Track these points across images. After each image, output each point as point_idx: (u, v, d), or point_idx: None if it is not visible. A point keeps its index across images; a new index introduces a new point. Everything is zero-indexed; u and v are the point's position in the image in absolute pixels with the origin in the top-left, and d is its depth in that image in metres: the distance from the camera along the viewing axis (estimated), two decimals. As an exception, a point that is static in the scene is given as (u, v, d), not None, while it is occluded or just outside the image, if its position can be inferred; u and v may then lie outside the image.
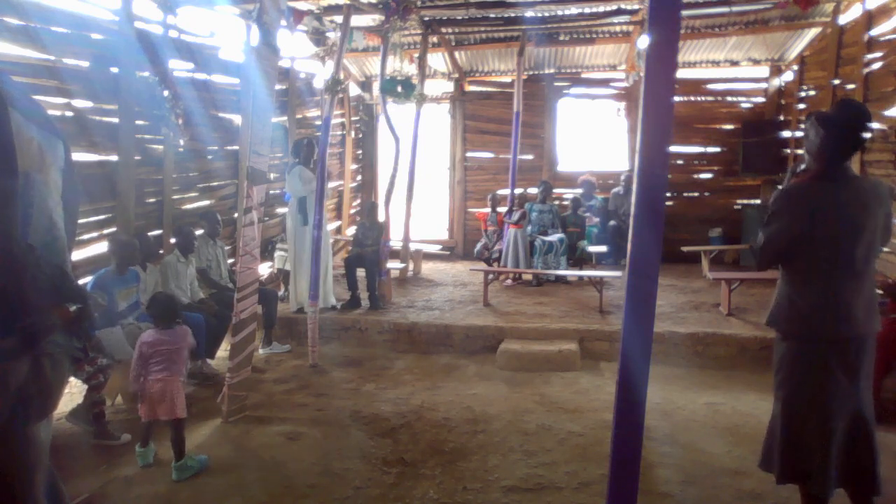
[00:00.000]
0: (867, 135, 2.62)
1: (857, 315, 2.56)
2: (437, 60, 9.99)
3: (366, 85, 10.85)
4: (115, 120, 5.38)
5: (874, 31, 6.75)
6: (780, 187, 2.79)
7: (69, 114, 4.95)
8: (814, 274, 2.59)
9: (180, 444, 3.67)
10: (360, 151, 11.10)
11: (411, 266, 8.88)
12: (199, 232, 5.88)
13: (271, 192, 7.35)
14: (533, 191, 9.82)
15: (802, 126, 2.72)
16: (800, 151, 8.85)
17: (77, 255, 5.01)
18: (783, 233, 2.61)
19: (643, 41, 7.45)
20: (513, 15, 8.06)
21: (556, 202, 9.33)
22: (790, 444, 2.64)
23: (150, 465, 3.76)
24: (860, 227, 2.55)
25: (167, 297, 4.08)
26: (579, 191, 9.54)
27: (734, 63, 9.59)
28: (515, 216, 8.25)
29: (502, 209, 9.02)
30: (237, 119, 7.10)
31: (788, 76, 9.34)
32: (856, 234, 2.54)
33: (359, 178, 11.11)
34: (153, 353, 3.73)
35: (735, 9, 7.59)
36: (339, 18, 7.21)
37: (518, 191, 9.14)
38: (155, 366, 3.72)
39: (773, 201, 2.68)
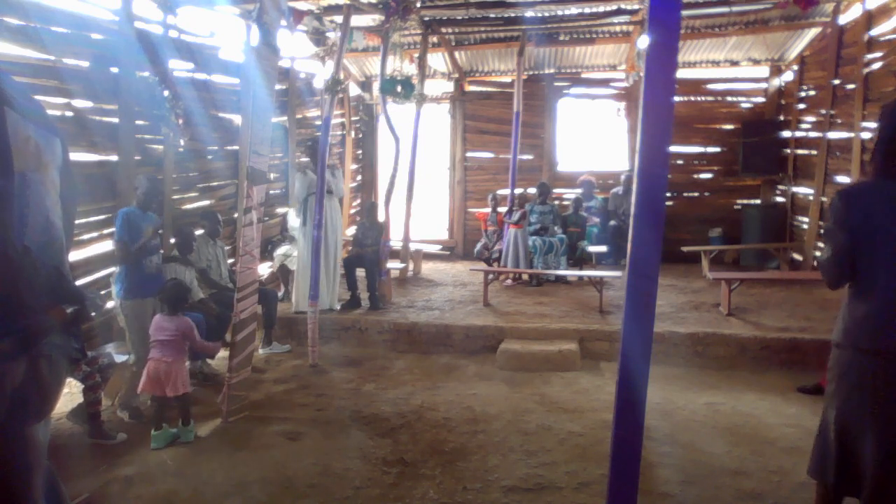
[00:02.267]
0: None
1: None
2: (437, 60, 9.99)
3: (366, 85, 10.85)
4: (115, 120, 5.37)
5: (874, 31, 6.75)
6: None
7: (69, 114, 4.95)
8: (873, 279, 2.39)
9: (186, 412, 4.20)
10: (360, 151, 11.10)
11: (411, 266, 8.88)
12: (199, 232, 5.88)
13: (271, 192, 7.36)
14: (533, 191, 9.83)
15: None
16: (800, 151, 8.85)
17: (77, 255, 5.01)
18: (846, 240, 2.40)
19: (643, 41, 7.45)
20: (513, 15, 8.06)
21: (556, 202, 9.34)
22: (844, 456, 2.49)
23: (167, 446, 4.03)
24: None
25: (175, 284, 4.46)
26: (579, 191, 9.54)
27: (734, 63, 9.59)
28: (516, 216, 8.25)
29: (502, 209, 9.03)
30: (237, 119, 7.10)
31: (788, 76, 9.34)
32: None
33: (359, 178, 11.11)
34: (155, 337, 4.16)
35: (735, 9, 7.59)
36: (339, 18, 7.21)
37: (518, 190, 9.14)
38: (157, 349, 4.15)
39: (830, 206, 2.48)
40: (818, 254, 2.55)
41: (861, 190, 2.49)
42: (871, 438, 2.38)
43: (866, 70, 6.79)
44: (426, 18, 8.21)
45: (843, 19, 7.52)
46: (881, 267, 2.37)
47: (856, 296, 2.47)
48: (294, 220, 6.99)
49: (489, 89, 10.68)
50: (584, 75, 10.34)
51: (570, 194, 9.72)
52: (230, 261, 6.33)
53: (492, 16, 8.16)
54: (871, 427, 2.38)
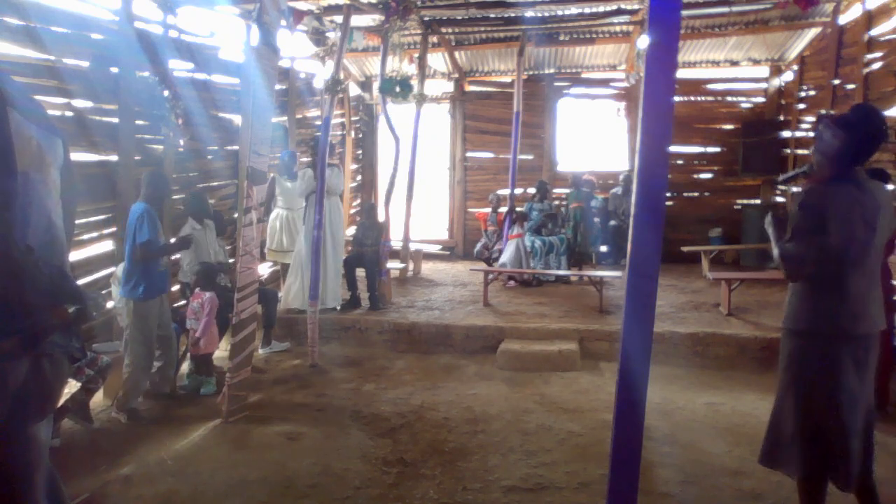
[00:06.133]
0: (885, 139, 2.65)
1: (873, 312, 2.64)
2: (437, 60, 9.99)
3: (366, 85, 10.85)
4: (115, 120, 5.37)
5: (874, 31, 6.74)
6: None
7: (69, 114, 4.95)
8: (832, 272, 2.62)
9: (209, 367, 5.17)
10: (360, 151, 11.10)
11: (411, 266, 8.88)
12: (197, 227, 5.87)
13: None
14: (532, 191, 9.83)
15: (818, 128, 2.74)
16: (800, 151, 8.85)
17: (77, 255, 5.00)
18: (816, 238, 2.59)
19: (643, 41, 7.46)
20: (513, 15, 8.06)
21: (556, 202, 9.34)
22: (810, 439, 2.67)
23: (205, 394, 4.98)
24: (874, 227, 2.60)
25: (206, 265, 5.21)
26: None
27: (734, 63, 9.59)
28: (515, 229, 8.25)
29: (503, 209, 9.03)
30: (237, 119, 7.09)
31: (788, 76, 9.34)
32: (870, 234, 2.60)
33: (359, 178, 11.11)
34: (192, 309, 5.05)
35: (735, 9, 7.59)
36: (339, 18, 7.21)
37: (517, 193, 9.12)
38: (193, 321, 5.05)
39: (802, 205, 2.65)
40: (787, 247, 2.73)
41: (826, 191, 2.64)
42: (837, 415, 2.59)
43: (866, 70, 6.79)
44: (426, 18, 8.21)
45: (843, 19, 7.52)
46: (840, 262, 2.59)
47: (816, 289, 2.67)
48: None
49: (489, 89, 10.68)
50: (584, 75, 10.35)
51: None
52: (230, 260, 6.33)
53: (492, 16, 8.16)
54: (839, 403, 2.59)
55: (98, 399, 4.72)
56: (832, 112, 6.16)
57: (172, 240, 5.25)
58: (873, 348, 2.68)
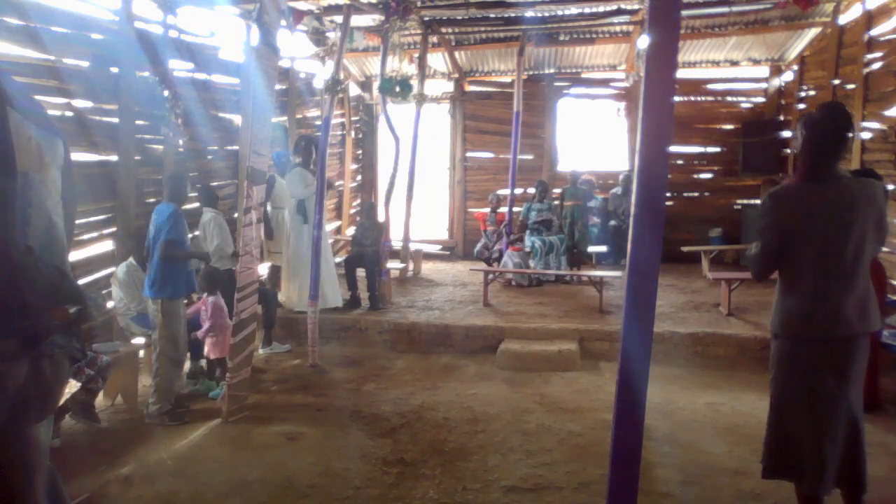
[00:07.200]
0: (849, 135, 2.62)
1: (848, 315, 2.54)
2: (437, 60, 9.99)
3: (366, 85, 10.85)
4: (115, 120, 5.37)
5: (874, 31, 6.74)
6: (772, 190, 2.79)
7: (69, 114, 4.95)
8: (802, 274, 2.59)
9: (221, 369, 5.08)
10: (360, 151, 11.10)
11: (411, 266, 8.88)
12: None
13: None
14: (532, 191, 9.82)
15: (796, 128, 2.76)
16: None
17: (77, 255, 5.01)
18: (774, 239, 2.63)
19: (643, 41, 7.45)
20: (513, 15, 8.06)
21: (556, 202, 9.34)
22: (778, 440, 2.68)
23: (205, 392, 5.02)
24: (848, 226, 2.52)
25: (210, 270, 5.12)
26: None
27: (734, 63, 9.59)
28: (513, 238, 8.25)
29: (503, 209, 9.03)
30: (237, 119, 7.09)
31: (788, 76, 9.34)
32: (844, 234, 2.53)
33: (359, 178, 11.11)
34: (203, 315, 5.02)
35: (735, 9, 7.59)
36: (339, 18, 7.21)
37: (518, 192, 9.11)
38: (204, 323, 5.00)
39: (761, 206, 2.69)
40: (752, 249, 2.76)
41: (790, 192, 2.65)
42: (810, 418, 2.58)
43: (866, 70, 6.79)
44: (426, 18, 8.21)
45: (843, 19, 7.51)
46: (810, 264, 2.58)
47: (787, 291, 2.67)
48: (297, 188, 6.76)
49: (489, 89, 10.68)
50: (584, 75, 10.35)
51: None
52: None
53: (492, 16, 8.16)
54: (811, 407, 2.58)
55: (97, 400, 4.72)
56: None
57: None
58: (857, 352, 2.58)
